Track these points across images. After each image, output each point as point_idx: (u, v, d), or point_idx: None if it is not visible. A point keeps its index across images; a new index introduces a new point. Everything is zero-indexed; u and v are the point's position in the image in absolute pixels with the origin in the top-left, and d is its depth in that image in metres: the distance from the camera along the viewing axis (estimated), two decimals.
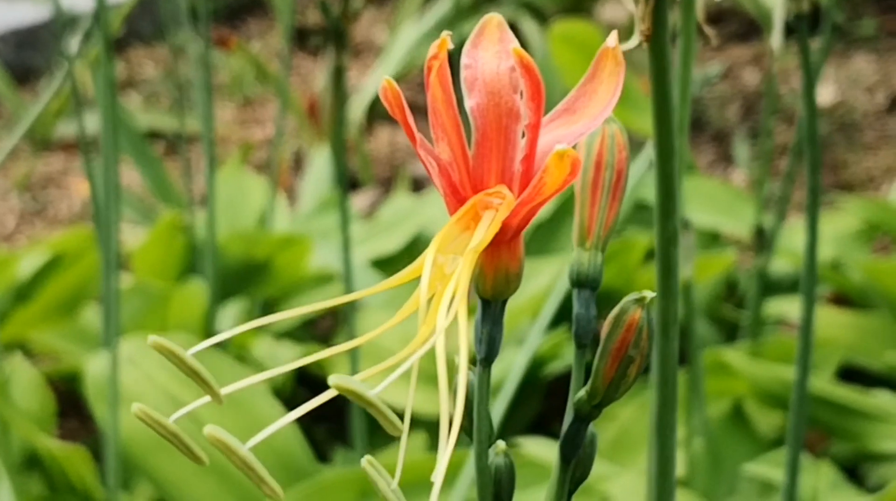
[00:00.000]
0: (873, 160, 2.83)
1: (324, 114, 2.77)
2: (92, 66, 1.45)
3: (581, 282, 0.44)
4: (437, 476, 0.33)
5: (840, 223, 2.03)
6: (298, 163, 2.90)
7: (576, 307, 0.43)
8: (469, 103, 0.40)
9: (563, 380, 1.83)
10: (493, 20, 0.41)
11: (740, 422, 1.57)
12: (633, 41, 0.40)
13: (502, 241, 0.39)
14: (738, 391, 1.58)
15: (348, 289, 1.49)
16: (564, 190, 0.38)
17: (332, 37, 1.31)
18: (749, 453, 1.50)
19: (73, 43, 1.40)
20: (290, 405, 1.64)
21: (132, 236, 2.24)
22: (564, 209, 1.97)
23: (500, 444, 0.41)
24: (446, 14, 2.90)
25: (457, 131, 0.39)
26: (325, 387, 0.37)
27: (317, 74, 3.40)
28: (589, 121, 0.40)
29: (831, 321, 1.75)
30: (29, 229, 2.76)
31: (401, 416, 1.04)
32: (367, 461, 0.36)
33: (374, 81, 2.94)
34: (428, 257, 0.37)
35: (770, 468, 1.36)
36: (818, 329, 1.73)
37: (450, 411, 0.35)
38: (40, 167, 3.00)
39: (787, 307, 1.80)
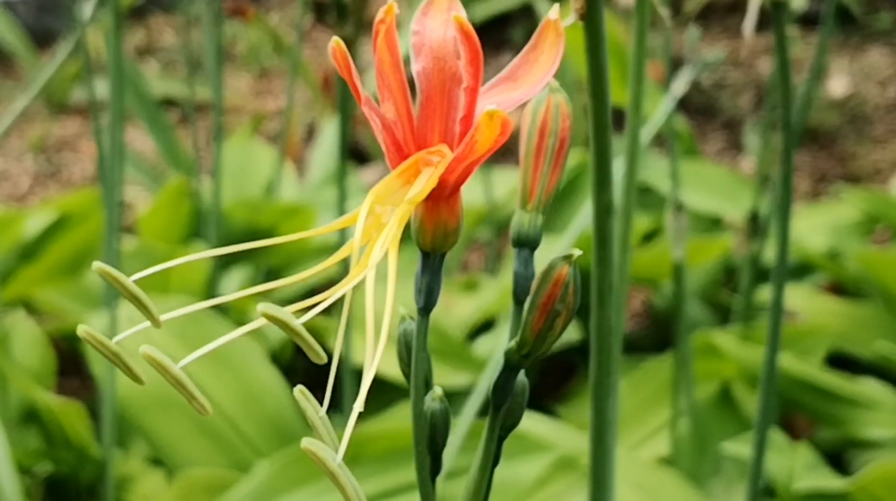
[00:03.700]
0: (881, 153, 2.85)
1: (336, 87, 2.79)
2: (106, 32, 1.47)
3: (521, 242, 0.46)
4: (357, 405, 0.36)
5: (840, 214, 2.04)
6: (311, 135, 2.93)
7: (515, 265, 0.45)
8: (416, 67, 0.43)
9: (557, 357, 1.85)
10: None
11: (727, 404, 1.59)
12: (569, 20, 0.42)
13: (441, 196, 0.42)
14: (727, 374, 1.60)
15: (345, 261, 1.51)
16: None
17: (338, 14, 1.33)
18: (734, 434, 1.52)
19: (87, 8, 1.42)
20: (287, 370, 1.66)
21: (143, 201, 2.27)
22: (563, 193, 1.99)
23: (437, 390, 0.44)
24: None
25: (402, 92, 0.42)
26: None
27: None
28: (529, 88, 0.42)
29: (824, 309, 1.77)
30: (42, 191, 2.79)
31: (390, 385, 1.07)
32: (298, 390, 0.39)
33: None
34: (364, 206, 0.40)
35: (747, 447, 1.38)
36: (810, 316, 1.75)
37: (378, 349, 0.37)
38: (56, 130, 3.03)
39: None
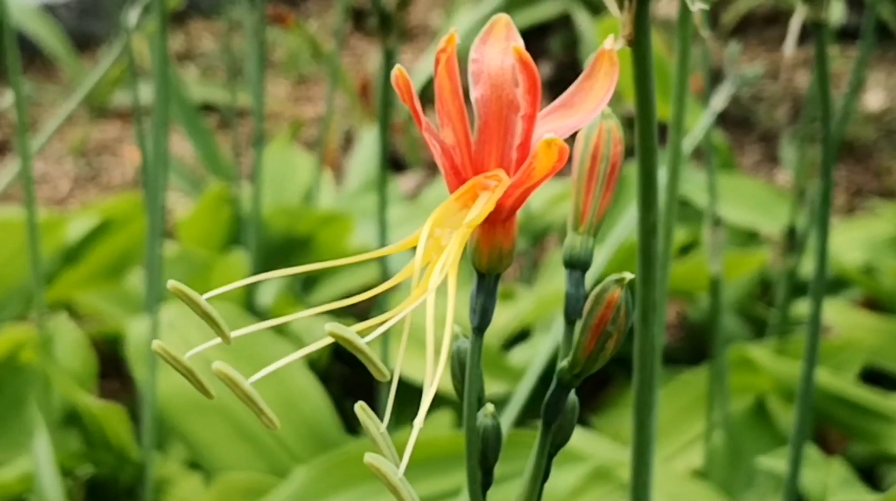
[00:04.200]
0: None
1: (375, 95, 2.81)
2: (149, 37, 1.49)
3: (573, 263, 0.47)
4: (418, 421, 0.37)
5: (876, 229, 2.05)
6: (348, 142, 2.94)
7: (567, 286, 0.47)
8: (474, 94, 0.44)
9: None
10: (502, 20, 0.45)
11: (762, 418, 1.60)
12: (618, 44, 0.43)
13: (497, 220, 0.43)
14: (762, 388, 1.61)
15: (384, 269, 1.53)
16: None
17: (380, 23, 1.35)
18: (768, 448, 1.52)
19: (132, 15, 1.44)
20: (324, 377, 1.68)
21: (181, 206, 2.29)
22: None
23: (489, 407, 0.45)
24: (501, 2, 2.93)
25: (461, 118, 0.43)
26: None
27: (371, 55, 3.44)
28: (584, 115, 0.44)
29: (859, 324, 1.77)
30: (82, 194, 2.82)
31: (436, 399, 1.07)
32: (359, 406, 0.40)
33: (426, 64, 2.98)
34: (425, 229, 0.41)
35: (781, 461, 1.38)
36: (845, 331, 1.75)
37: (436, 367, 0.39)
38: (96, 134, 3.05)
39: None
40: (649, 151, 0.53)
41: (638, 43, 0.49)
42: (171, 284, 0.39)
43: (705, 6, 0.55)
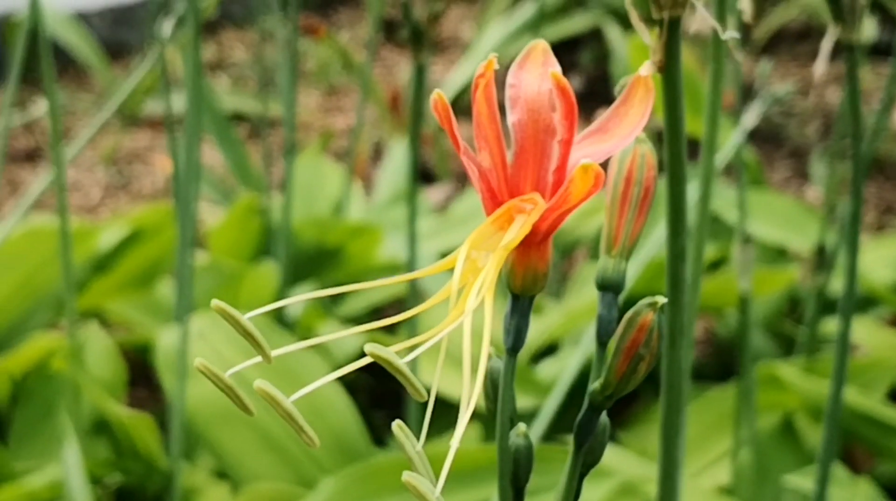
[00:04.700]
0: None
1: (406, 107, 2.82)
2: (182, 48, 1.50)
3: (605, 286, 0.48)
4: (455, 441, 0.38)
5: None
6: (378, 153, 2.95)
7: (599, 308, 0.47)
8: (511, 118, 0.45)
9: None
10: (539, 46, 0.45)
11: (789, 436, 1.60)
12: (648, 70, 0.44)
13: (532, 243, 0.44)
14: (790, 406, 1.61)
15: (413, 280, 1.54)
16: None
17: (413, 36, 1.36)
18: (795, 466, 1.52)
19: (167, 26, 1.45)
20: (351, 388, 1.68)
21: (211, 216, 2.30)
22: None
23: (521, 426, 0.46)
24: (533, 15, 2.94)
25: (498, 142, 0.44)
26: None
27: (402, 67, 3.45)
28: (618, 141, 0.44)
29: (887, 343, 1.77)
30: (113, 202, 2.84)
31: (454, 406, 1.07)
32: (396, 424, 0.41)
33: (457, 76, 2.99)
34: (462, 251, 0.42)
35: (809, 480, 1.38)
36: (873, 350, 1.75)
37: (472, 388, 0.39)
38: (127, 142, 3.07)
39: None
40: (678, 177, 0.53)
41: (668, 70, 0.49)
42: (215, 303, 0.39)
43: (737, 35, 0.56)
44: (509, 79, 0.45)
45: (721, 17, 0.84)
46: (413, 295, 1.53)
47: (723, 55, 0.79)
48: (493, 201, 0.44)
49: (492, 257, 0.42)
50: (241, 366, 0.40)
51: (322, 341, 0.41)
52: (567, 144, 0.42)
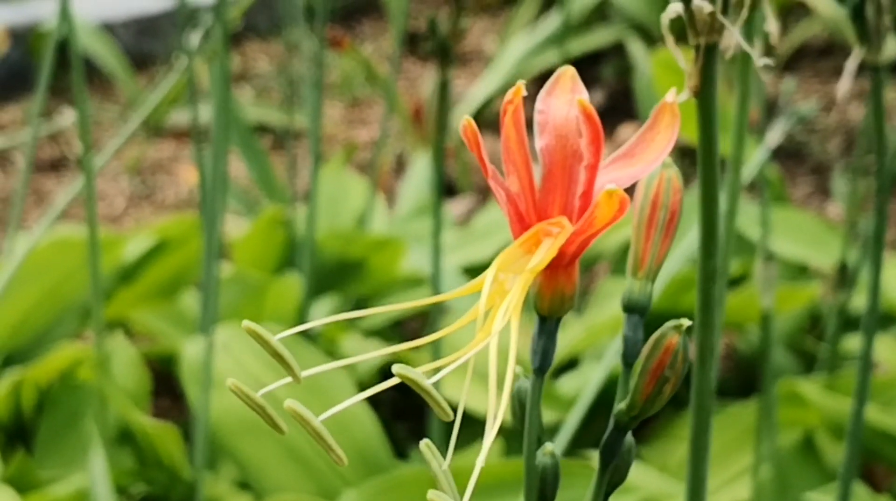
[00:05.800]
0: None
1: (428, 119, 2.83)
2: (209, 59, 1.51)
3: (631, 308, 0.49)
4: (480, 460, 0.39)
5: None
6: (401, 166, 2.96)
7: (625, 330, 0.48)
8: (539, 143, 0.46)
9: None
10: (568, 73, 0.46)
11: (810, 453, 1.60)
12: (683, 95, 0.45)
13: (559, 265, 0.45)
14: (811, 423, 1.61)
15: (436, 293, 1.55)
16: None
17: (437, 51, 1.37)
18: (816, 483, 1.52)
19: (194, 37, 1.46)
20: (374, 400, 1.70)
21: (235, 227, 2.32)
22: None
23: (548, 445, 0.46)
24: (556, 29, 2.95)
25: (526, 167, 0.45)
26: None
27: (425, 79, 3.46)
28: (645, 166, 0.45)
29: None
30: (137, 212, 2.85)
31: (476, 420, 1.09)
32: (424, 443, 0.41)
33: (480, 90, 3.00)
34: (489, 273, 0.43)
35: (830, 498, 1.39)
36: (894, 367, 1.75)
37: (499, 409, 0.40)
38: (151, 153, 3.09)
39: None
40: (711, 200, 0.54)
41: (703, 94, 0.50)
42: (246, 324, 0.40)
43: (770, 61, 0.57)
44: (538, 105, 0.46)
45: (748, 38, 0.84)
46: (436, 309, 1.54)
47: (749, 76, 0.80)
48: (521, 225, 0.45)
49: (519, 279, 0.43)
50: (272, 386, 0.41)
51: (351, 362, 0.42)
52: (593, 170, 0.43)
